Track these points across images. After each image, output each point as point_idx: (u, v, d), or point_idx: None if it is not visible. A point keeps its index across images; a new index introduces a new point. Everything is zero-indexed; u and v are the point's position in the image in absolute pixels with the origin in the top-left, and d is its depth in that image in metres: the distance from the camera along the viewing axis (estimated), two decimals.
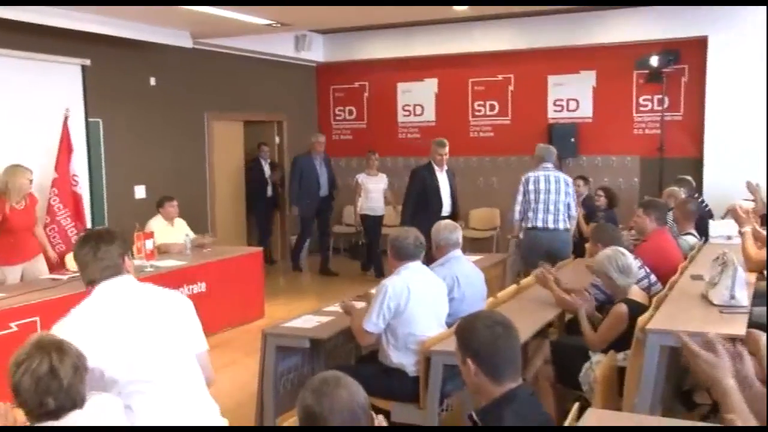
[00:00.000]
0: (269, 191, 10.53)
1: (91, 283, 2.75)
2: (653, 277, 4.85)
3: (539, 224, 6.74)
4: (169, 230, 7.27)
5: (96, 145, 7.95)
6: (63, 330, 2.63)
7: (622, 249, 4.31)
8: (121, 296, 2.74)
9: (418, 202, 7.60)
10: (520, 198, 6.84)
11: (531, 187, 6.79)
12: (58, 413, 2.19)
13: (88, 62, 7.49)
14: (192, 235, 7.35)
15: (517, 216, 6.87)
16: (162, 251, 6.96)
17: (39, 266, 6.18)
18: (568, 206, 6.81)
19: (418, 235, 4.16)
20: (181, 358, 2.78)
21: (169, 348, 2.75)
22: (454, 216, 7.66)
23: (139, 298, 2.79)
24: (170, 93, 9.01)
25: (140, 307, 2.76)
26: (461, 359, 2.47)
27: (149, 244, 6.49)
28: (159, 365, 2.69)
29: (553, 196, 6.75)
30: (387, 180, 9.75)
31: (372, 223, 9.52)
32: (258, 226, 10.48)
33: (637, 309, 4.02)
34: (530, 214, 6.77)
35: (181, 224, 7.44)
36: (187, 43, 8.64)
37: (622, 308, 4.01)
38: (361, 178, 9.68)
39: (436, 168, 7.74)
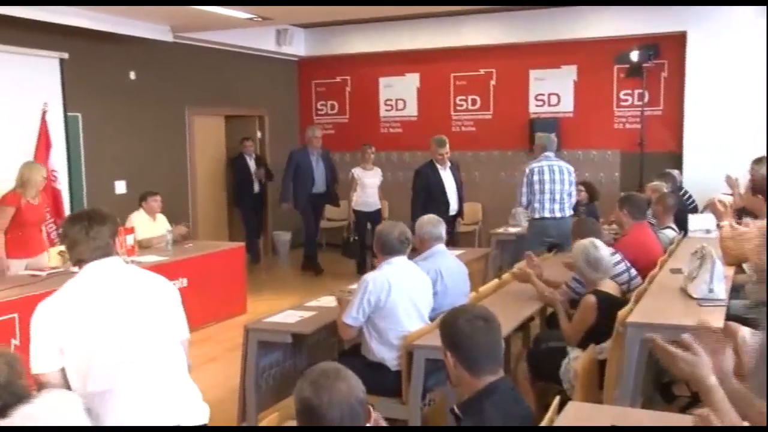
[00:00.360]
0: (256, 187, 10.24)
1: (80, 262, 2.74)
2: (633, 271, 4.89)
3: (547, 214, 6.79)
4: (151, 225, 7.22)
5: (75, 140, 7.88)
6: (49, 308, 2.64)
7: (597, 242, 4.32)
8: (110, 277, 2.73)
9: (425, 201, 7.44)
10: (524, 189, 6.86)
11: (536, 177, 6.80)
12: (3, 411, 2.19)
13: (66, 56, 7.41)
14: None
15: (525, 204, 6.94)
16: (144, 246, 6.93)
17: (42, 263, 6.15)
18: (570, 194, 6.91)
19: (403, 230, 4.16)
20: (166, 341, 2.78)
21: (155, 331, 2.75)
22: (459, 214, 7.71)
23: (127, 280, 2.78)
24: (150, 87, 8.94)
25: (128, 290, 2.75)
26: (443, 352, 2.50)
27: (130, 240, 6.46)
28: (144, 348, 2.69)
29: (558, 185, 6.82)
30: (381, 174, 9.48)
31: (366, 219, 9.17)
32: (245, 224, 10.27)
33: (606, 300, 4.07)
34: (536, 205, 6.80)
35: (162, 220, 7.39)
36: (168, 36, 8.58)
37: (590, 299, 4.06)
38: (357, 172, 9.30)
39: (439, 167, 7.66)
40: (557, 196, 6.80)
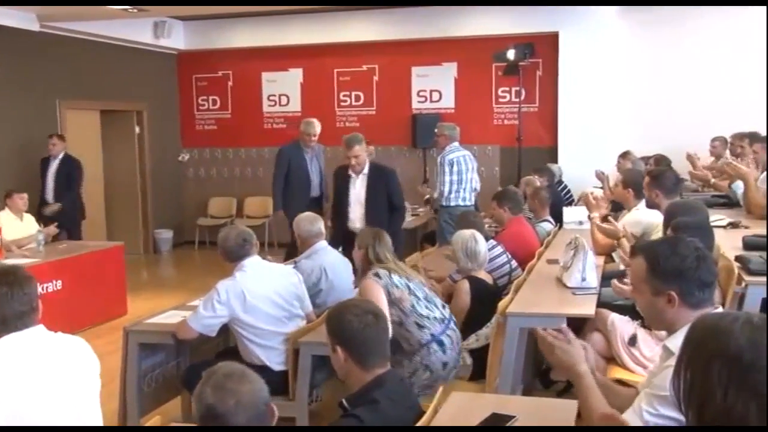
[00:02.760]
0: (48, 195, 8.18)
1: None
2: (514, 263, 5.06)
3: (467, 203, 7.05)
4: (18, 225, 6.84)
5: None
6: None
7: (477, 235, 4.46)
8: (31, 353, 2.46)
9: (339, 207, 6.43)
10: (447, 178, 6.99)
11: (455, 168, 7.00)
12: None
13: None
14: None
15: (446, 194, 7.02)
16: (9, 249, 6.53)
17: None
18: (475, 181, 7.28)
19: (240, 231, 4.03)
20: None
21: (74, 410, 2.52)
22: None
23: (49, 355, 2.50)
24: (16, 79, 8.44)
25: (50, 367, 2.47)
26: (331, 347, 2.51)
27: None
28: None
29: (471, 174, 7.14)
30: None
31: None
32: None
33: (480, 286, 4.25)
34: (453, 195, 6.99)
35: (30, 220, 7.01)
36: (33, 25, 8.14)
37: (464, 284, 4.22)
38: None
39: (350, 172, 6.24)
40: (470, 185, 7.12)
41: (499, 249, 5.07)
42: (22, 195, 6.94)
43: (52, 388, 2.46)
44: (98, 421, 2.66)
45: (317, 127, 7.41)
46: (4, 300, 2.43)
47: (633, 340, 3.71)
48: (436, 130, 7.42)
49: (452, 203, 7.04)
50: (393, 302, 3.73)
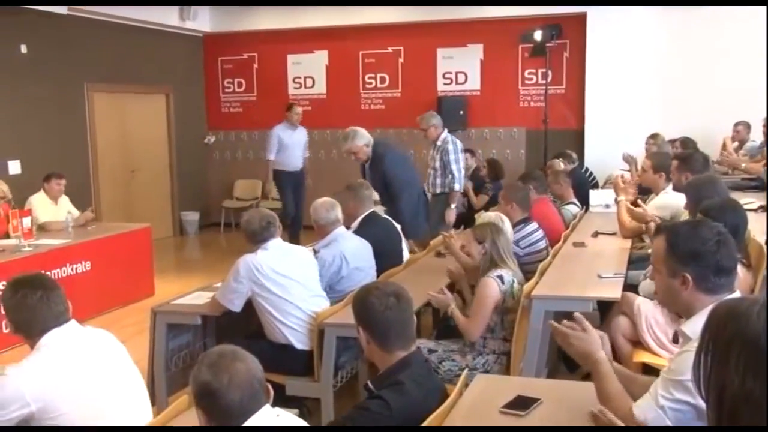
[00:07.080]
0: None
1: (41, 333, 2.59)
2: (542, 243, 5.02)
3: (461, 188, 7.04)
4: (52, 209, 6.90)
5: None
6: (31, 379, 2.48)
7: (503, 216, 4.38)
8: (76, 345, 2.61)
9: None
10: (462, 165, 6.92)
11: (461, 155, 6.98)
12: None
13: None
14: (76, 212, 7.03)
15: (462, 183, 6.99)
16: (44, 231, 6.64)
17: None
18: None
19: (264, 215, 4.11)
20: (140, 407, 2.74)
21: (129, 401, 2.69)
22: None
23: (91, 347, 2.67)
24: (45, 62, 8.51)
25: (96, 358, 2.64)
26: (357, 328, 2.53)
27: (27, 222, 6.17)
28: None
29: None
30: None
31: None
32: None
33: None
34: (455, 180, 6.88)
35: (65, 202, 7.08)
36: (61, 9, 8.19)
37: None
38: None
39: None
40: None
41: (533, 225, 5.03)
42: (59, 181, 6.95)
43: (104, 375, 2.62)
44: (146, 402, 2.80)
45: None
46: (44, 302, 2.59)
47: (676, 338, 3.66)
48: (422, 125, 7.09)
49: (456, 187, 6.97)
50: (500, 310, 3.76)
